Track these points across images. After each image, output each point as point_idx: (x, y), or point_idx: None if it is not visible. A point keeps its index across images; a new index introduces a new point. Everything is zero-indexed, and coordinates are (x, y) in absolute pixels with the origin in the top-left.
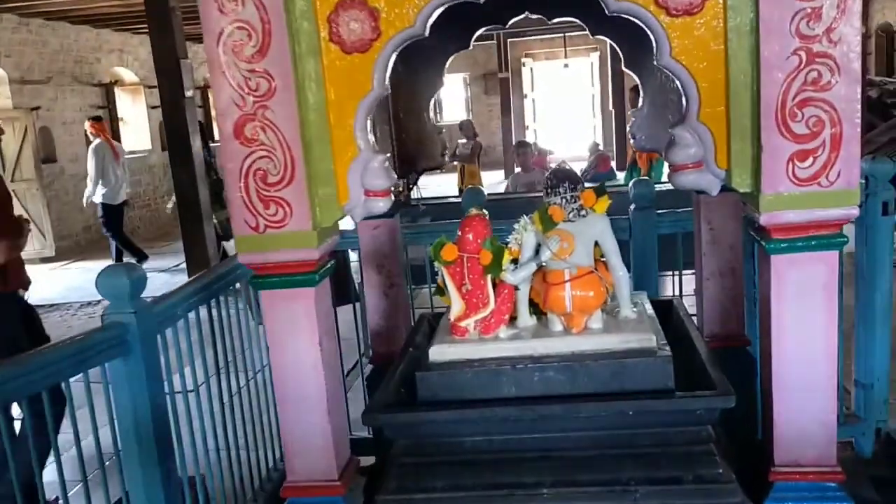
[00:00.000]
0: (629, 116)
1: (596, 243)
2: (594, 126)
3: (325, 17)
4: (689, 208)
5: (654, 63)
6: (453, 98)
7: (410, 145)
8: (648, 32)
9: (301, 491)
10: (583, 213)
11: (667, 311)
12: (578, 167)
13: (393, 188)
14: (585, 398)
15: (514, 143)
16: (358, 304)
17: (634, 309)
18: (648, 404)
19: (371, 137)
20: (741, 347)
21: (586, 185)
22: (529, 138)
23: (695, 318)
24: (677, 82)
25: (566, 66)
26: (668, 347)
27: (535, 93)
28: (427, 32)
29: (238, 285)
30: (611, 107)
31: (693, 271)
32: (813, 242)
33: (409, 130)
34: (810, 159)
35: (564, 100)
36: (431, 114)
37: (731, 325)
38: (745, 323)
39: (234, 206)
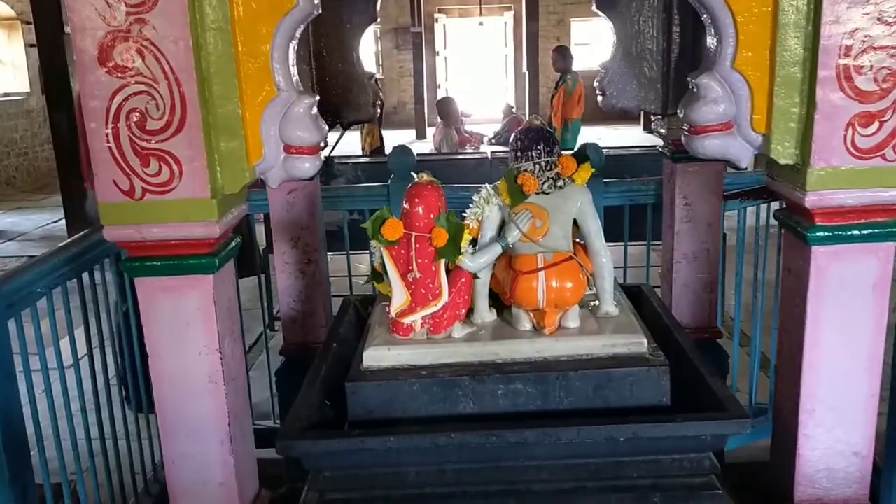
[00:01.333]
0: (547, 80)
1: (575, 222)
2: (507, 87)
3: None
4: (639, 178)
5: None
6: (362, 52)
7: (335, 92)
8: None
9: None
10: (560, 183)
11: (636, 301)
12: (491, 129)
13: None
14: (563, 419)
15: (428, 101)
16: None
17: (616, 304)
18: (646, 430)
19: (294, 72)
20: (712, 341)
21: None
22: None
23: None
24: (703, 15)
25: (481, 24)
26: (661, 353)
27: (447, 51)
28: None
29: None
30: (524, 68)
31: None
32: (867, 232)
33: (333, 74)
34: (875, 124)
35: (477, 59)
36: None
37: (703, 314)
38: (718, 313)
39: (98, 162)
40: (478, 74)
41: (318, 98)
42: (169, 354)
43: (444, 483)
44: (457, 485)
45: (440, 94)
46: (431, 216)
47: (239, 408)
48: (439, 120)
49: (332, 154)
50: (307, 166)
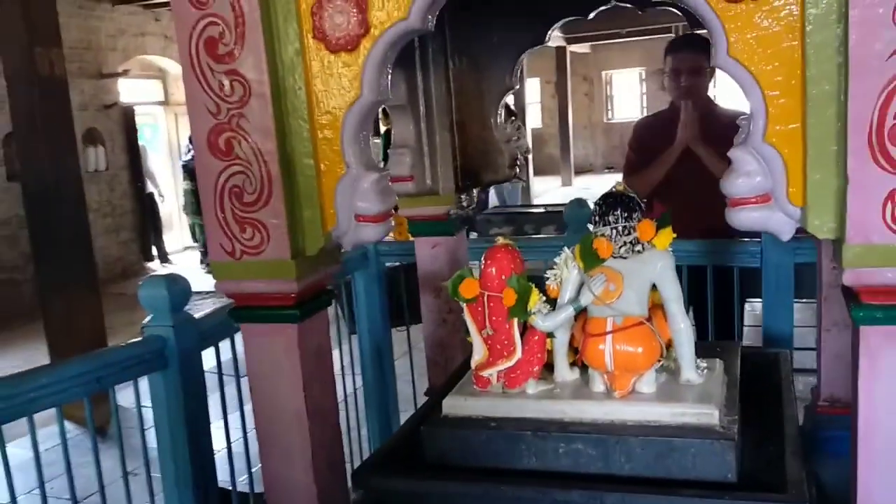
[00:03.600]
0: None
1: (655, 287)
2: None
3: (307, 10)
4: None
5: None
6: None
7: (474, 156)
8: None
9: None
10: (638, 248)
11: (766, 370)
12: None
13: (463, 204)
14: (614, 484)
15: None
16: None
17: (702, 371)
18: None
19: (363, 152)
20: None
21: None
22: None
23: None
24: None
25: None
26: (735, 426)
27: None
28: (428, 27)
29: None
30: None
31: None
32: None
33: (472, 139)
34: None
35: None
36: (502, 119)
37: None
38: None
39: (209, 228)
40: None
41: (384, 173)
42: (264, 389)
43: None
44: None
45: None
46: (503, 277)
47: (326, 441)
48: None
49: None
50: (372, 232)
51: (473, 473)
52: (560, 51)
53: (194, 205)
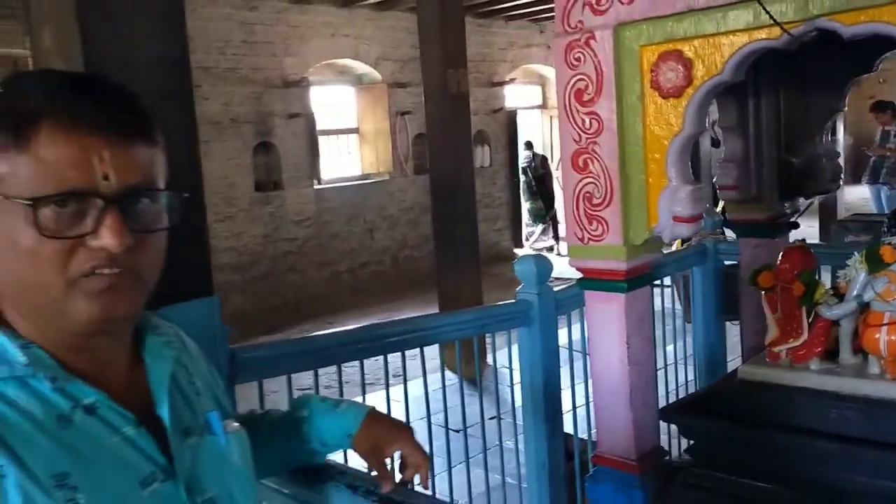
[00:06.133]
0: None
1: None
2: None
3: (648, 68)
4: None
5: None
6: None
7: (798, 170)
8: None
9: (604, 461)
10: None
11: None
12: None
13: (787, 211)
14: (874, 445)
15: None
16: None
17: None
18: None
19: (683, 169)
20: None
21: None
22: None
23: None
24: None
25: None
26: None
27: None
28: (739, 77)
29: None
30: None
31: None
32: None
33: (797, 155)
34: None
35: None
36: (828, 138)
37: None
38: None
39: (567, 221)
40: None
41: (699, 185)
42: (599, 343)
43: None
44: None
45: None
46: (795, 272)
47: (640, 383)
48: None
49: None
50: (684, 230)
51: (752, 423)
52: None
53: (527, 193)
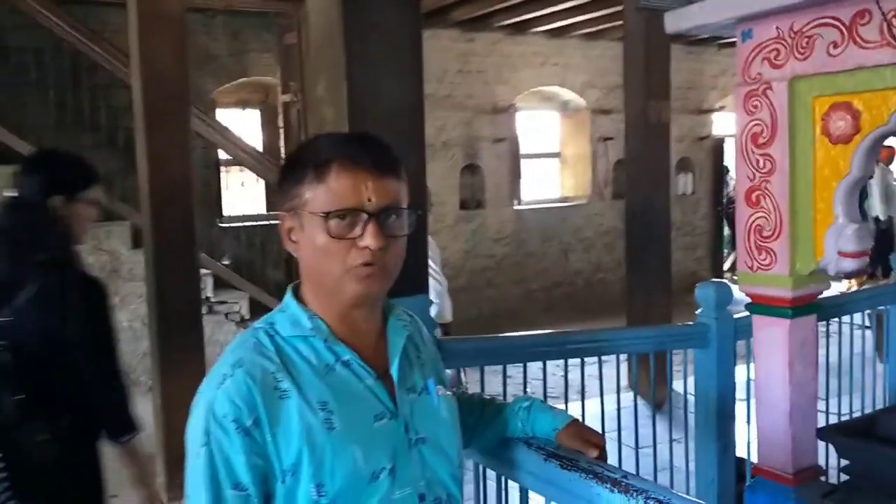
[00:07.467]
0: None
1: None
2: None
3: (819, 117)
4: None
5: None
6: None
7: None
8: None
9: (763, 472)
10: None
11: None
12: None
13: None
14: None
15: None
16: None
17: None
18: None
19: (850, 210)
20: None
21: None
22: None
23: None
24: None
25: None
26: None
27: None
28: None
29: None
30: None
31: None
32: None
33: None
34: None
35: None
36: None
37: None
38: None
39: (739, 250)
40: None
41: (865, 224)
42: (764, 363)
43: None
44: None
45: None
46: None
47: (801, 403)
48: None
49: None
50: (848, 265)
51: None
52: None
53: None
